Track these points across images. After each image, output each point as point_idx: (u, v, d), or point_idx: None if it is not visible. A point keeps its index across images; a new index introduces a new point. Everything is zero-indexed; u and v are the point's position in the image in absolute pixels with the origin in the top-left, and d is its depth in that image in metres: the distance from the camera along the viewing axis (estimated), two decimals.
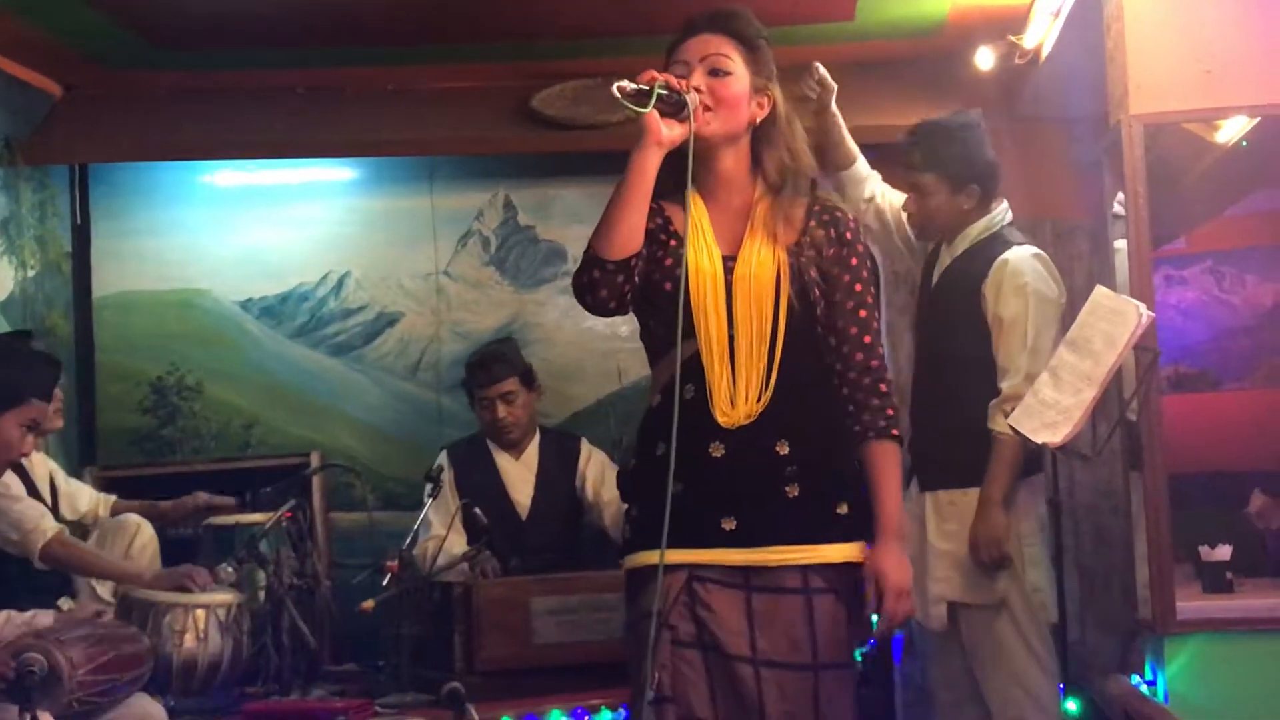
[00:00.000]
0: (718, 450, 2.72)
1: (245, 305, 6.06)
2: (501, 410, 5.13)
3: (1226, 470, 6.13)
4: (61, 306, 5.73)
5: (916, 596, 4.12)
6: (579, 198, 5.98)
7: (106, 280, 5.98)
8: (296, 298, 6.07)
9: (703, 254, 2.76)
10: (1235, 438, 6.39)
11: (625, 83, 2.61)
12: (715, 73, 2.75)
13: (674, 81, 2.66)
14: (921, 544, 4.04)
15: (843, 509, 2.76)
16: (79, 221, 5.92)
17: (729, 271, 2.76)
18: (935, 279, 4.16)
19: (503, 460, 5.23)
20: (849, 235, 2.82)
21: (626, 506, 2.88)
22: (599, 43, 5.21)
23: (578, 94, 5.50)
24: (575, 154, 5.67)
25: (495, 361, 5.16)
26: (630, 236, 2.67)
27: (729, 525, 2.72)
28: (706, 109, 2.71)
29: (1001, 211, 4.08)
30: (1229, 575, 4.56)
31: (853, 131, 5.51)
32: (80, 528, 4.90)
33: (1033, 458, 3.89)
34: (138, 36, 5.12)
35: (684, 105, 2.64)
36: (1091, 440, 3.56)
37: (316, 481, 5.57)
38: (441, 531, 4.87)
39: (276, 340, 6.05)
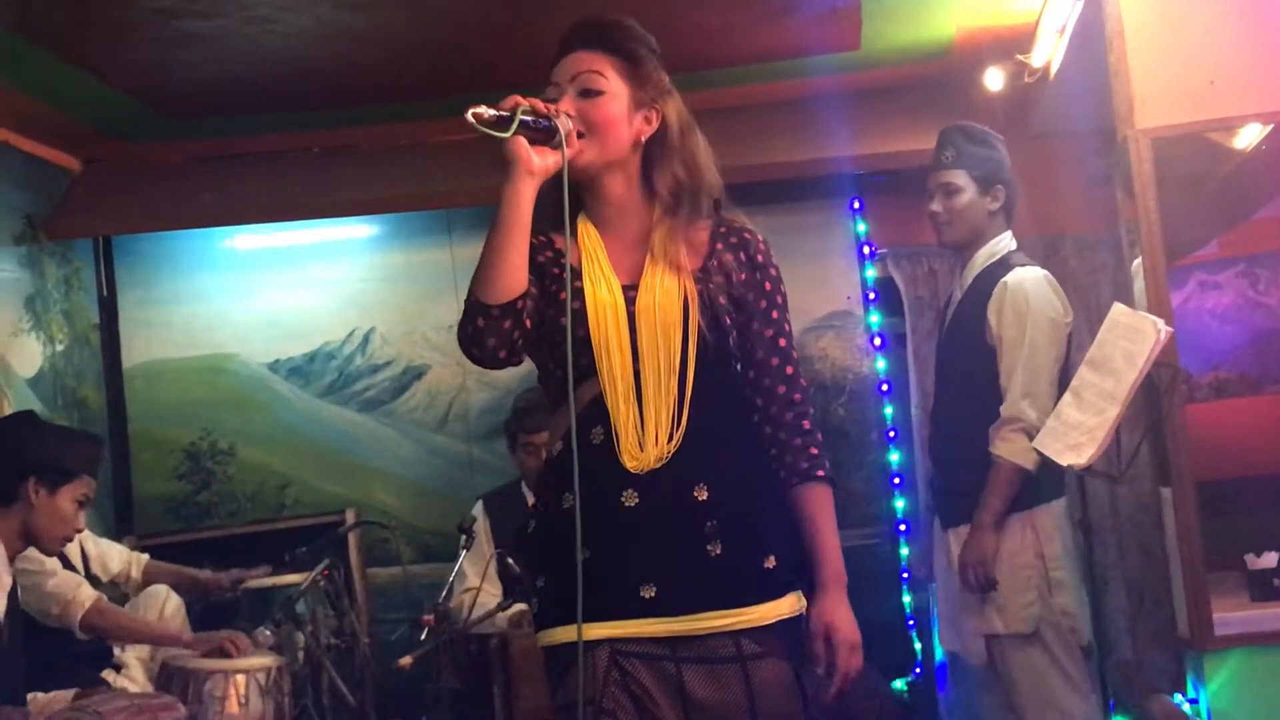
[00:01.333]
0: (631, 499, 2.42)
1: (273, 367, 6.11)
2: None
3: (1272, 474, 6.06)
4: (92, 378, 5.78)
5: (953, 631, 4.14)
6: None
7: (135, 350, 6.04)
8: (323, 357, 6.12)
9: (601, 286, 2.48)
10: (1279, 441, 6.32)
11: (483, 108, 2.33)
12: (587, 93, 2.48)
13: (540, 106, 2.39)
14: (953, 582, 4.02)
15: (770, 562, 2.47)
16: (105, 293, 5.99)
17: (630, 302, 2.48)
18: (949, 316, 4.16)
19: None
20: (760, 258, 2.56)
21: (533, 575, 2.55)
22: None
23: None
24: None
25: (543, 409, 5.12)
26: (512, 277, 2.36)
27: (648, 593, 2.41)
28: (580, 135, 2.44)
29: (1006, 238, 4.07)
30: (1276, 582, 4.50)
31: (866, 159, 5.57)
32: (116, 589, 4.94)
33: (1054, 481, 3.86)
34: (152, 110, 5.19)
35: (555, 132, 2.37)
36: (1117, 460, 3.51)
37: (352, 538, 5.59)
38: (476, 582, 4.86)
39: (306, 400, 6.10)
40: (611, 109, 2.47)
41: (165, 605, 4.77)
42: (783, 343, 2.56)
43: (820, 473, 2.52)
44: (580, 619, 2.34)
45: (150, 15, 4.18)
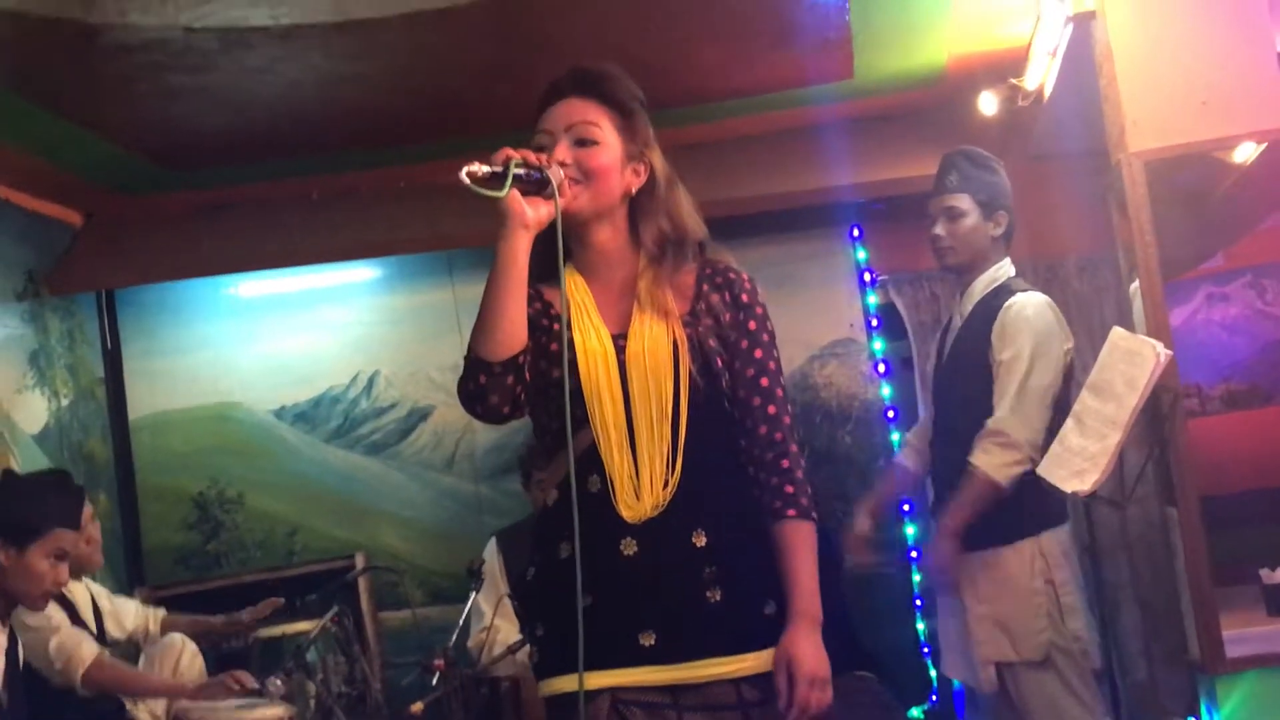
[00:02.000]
0: (630, 547, 2.42)
1: (279, 413, 6.12)
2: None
3: None
4: (98, 431, 5.79)
5: (959, 660, 4.12)
6: None
7: (140, 401, 6.05)
8: (328, 401, 6.12)
9: (590, 335, 2.49)
10: None
11: (476, 166, 2.35)
12: (582, 142, 2.48)
13: (532, 157, 2.39)
14: (961, 610, 4.01)
15: (770, 609, 2.48)
16: (109, 345, 6.00)
17: (620, 351, 2.49)
18: (948, 346, 4.15)
19: None
20: (745, 297, 2.56)
21: (532, 624, 2.55)
22: None
23: None
24: None
25: None
26: (512, 332, 2.36)
27: (648, 640, 2.41)
28: (575, 182, 2.45)
29: (1006, 264, 4.07)
30: None
31: (864, 187, 5.57)
32: (132, 645, 4.93)
33: (1060, 506, 3.85)
34: (152, 162, 5.20)
35: (547, 183, 2.38)
36: (1121, 485, 3.50)
37: (362, 583, 5.59)
38: (498, 623, 4.84)
39: (312, 445, 6.10)
40: (606, 158, 2.49)
41: (181, 655, 4.77)
42: (764, 382, 2.54)
43: (791, 511, 2.49)
44: (581, 667, 2.32)
45: (144, 70, 4.19)
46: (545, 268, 2.45)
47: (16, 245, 5.33)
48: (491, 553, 5.15)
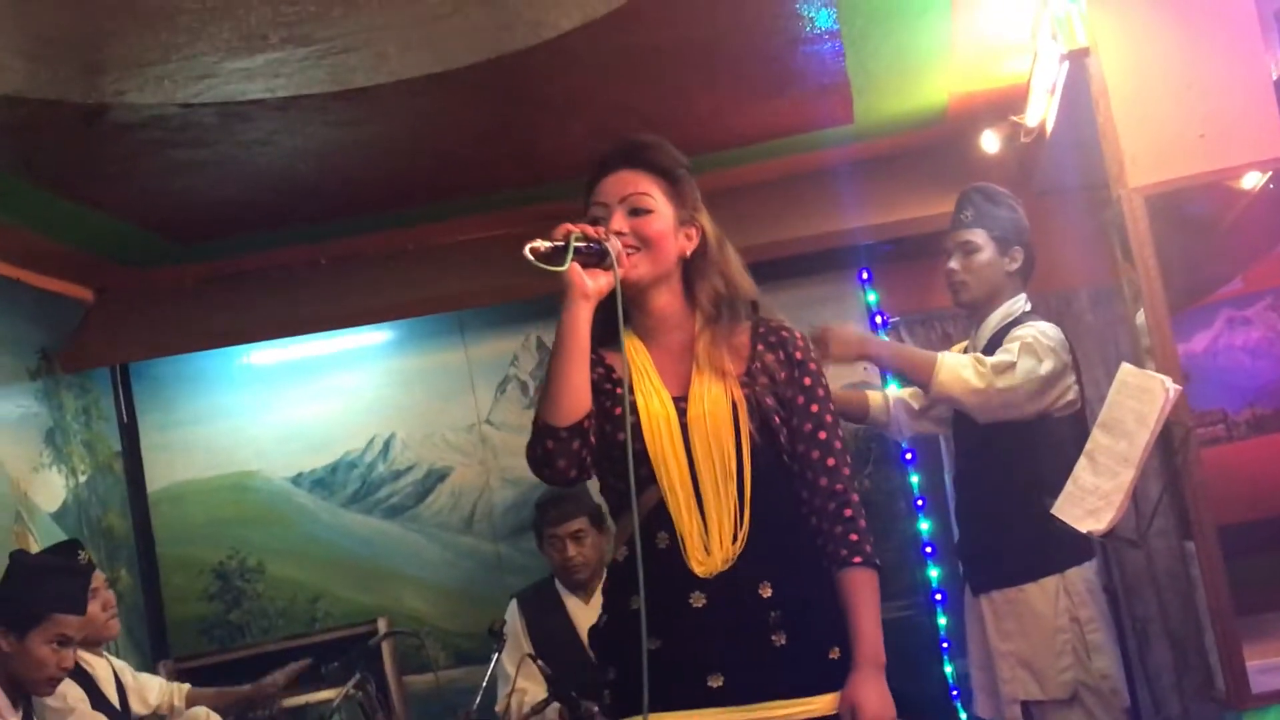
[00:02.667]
0: (698, 600, 2.53)
1: (296, 480, 6.11)
2: (571, 549, 5.09)
3: None
4: (117, 506, 5.80)
5: (989, 699, 4.08)
6: None
7: (158, 474, 6.06)
8: (345, 466, 6.12)
9: (652, 398, 2.60)
10: None
11: (538, 243, 2.48)
12: (636, 212, 2.61)
13: (591, 231, 2.53)
14: (986, 648, 3.98)
15: (835, 654, 2.57)
16: (125, 419, 6.01)
17: (682, 413, 2.60)
18: None
19: (573, 605, 5.16)
20: (799, 355, 2.68)
21: (604, 668, 2.67)
22: None
23: None
24: None
25: (566, 500, 5.12)
26: (578, 398, 2.50)
27: (715, 683, 2.52)
28: (634, 249, 2.58)
29: (1021, 300, 4.06)
30: None
31: (871, 230, 5.56)
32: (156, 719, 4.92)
33: (1084, 543, 3.81)
34: (159, 236, 5.24)
35: (606, 254, 2.51)
36: (1135, 524, 3.47)
37: (386, 648, 5.56)
38: (522, 683, 4.82)
39: (331, 511, 6.09)
40: (660, 225, 2.62)
41: None
42: (822, 435, 2.65)
43: (857, 559, 2.60)
44: (645, 708, 2.44)
45: (144, 147, 4.22)
46: (606, 333, 2.57)
47: (29, 324, 5.36)
48: (513, 614, 5.12)
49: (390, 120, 4.39)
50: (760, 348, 2.67)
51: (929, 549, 5.75)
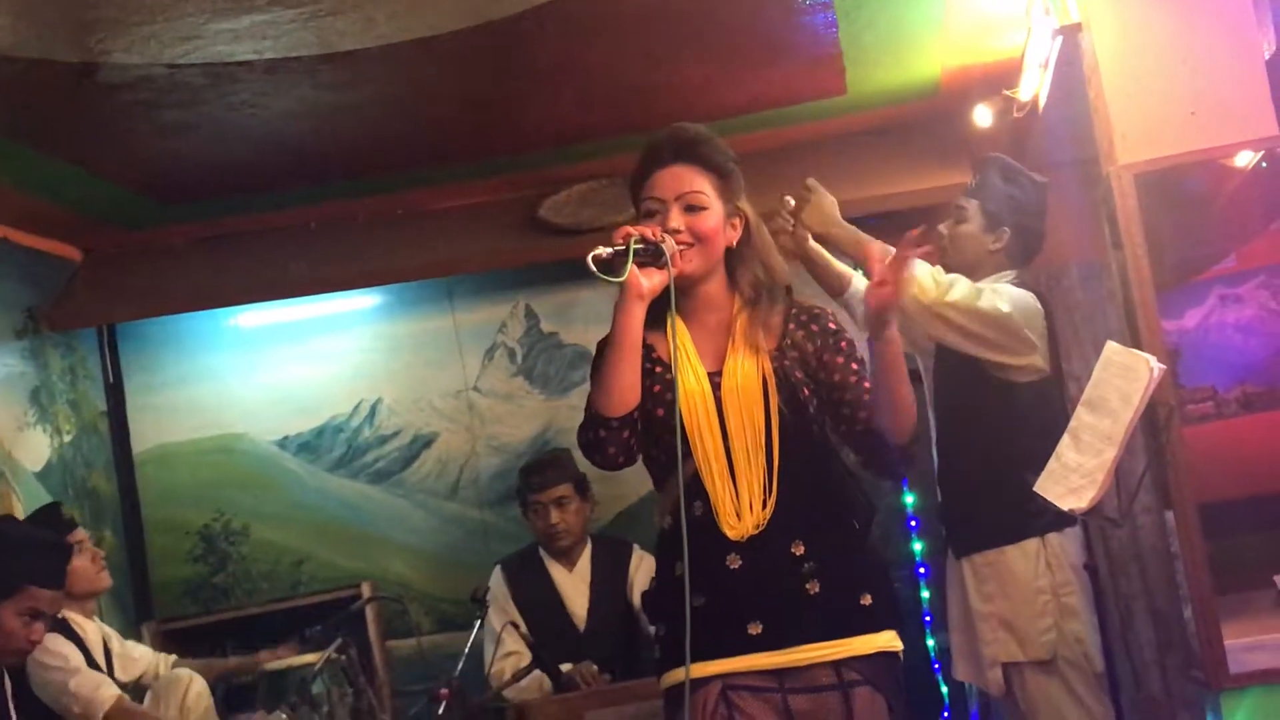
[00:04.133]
0: (735, 562, 2.71)
1: (282, 444, 6.09)
2: (554, 516, 5.10)
3: None
4: (102, 466, 5.78)
5: (967, 663, 4.10)
6: (598, 300, 5.95)
7: (144, 435, 6.03)
8: (331, 430, 6.10)
9: (689, 375, 2.77)
10: None
11: (600, 250, 2.64)
12: (691, 209, 2.77)
13: (648, 233, 2.68)
14: (967, 611, 4.00)
15: (866, 600, 2.77)
16: (112, 380, 5.99)
17: (716, 387, 2.77)
18: (946, 354, 4.12)
19: (557, 572, 5.18)
20: (832, 324, 2.86)
21: (655, 627, 2.88)
22: (595, 145, 5.24)
23: (582, 197, 5.53)
24: None
25: (550, 466, 5.15)
26: (629, 391, 2.69)
27: (755, 630, 2.71)
28: (687, 245, 2.74)
29: (1006, 276, 4.05)
30: None
31: (861, 203, 5.53)
32: (138, 688, 4.92)
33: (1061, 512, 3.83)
34: (147, 197, 5.21)
35: (662, 254, 2.66)
36: (1117, 502, 3.47)
37: (370, 612, 5.56)
38: (514, 647, 4.83)
39: (316, 475, 6.08)
40: (714, 222, 2.78)
41: (189, 692, 4.76)
42: (867, 384, 2.81)
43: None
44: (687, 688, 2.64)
45: (132, 107, 4.19)
46: (650, 316, 2.73)
47: (16, 283, 5.33)
48: (498, 581, 5.14)
49: (378, 85, 4.36)
50: (792, 326, 2.82)
51: (913, 523, 5.75)
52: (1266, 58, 3.64)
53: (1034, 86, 4.67)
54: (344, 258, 5.69)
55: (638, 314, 2.67)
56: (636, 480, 5.72)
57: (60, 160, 4.66)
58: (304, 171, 5.14)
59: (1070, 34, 3.76)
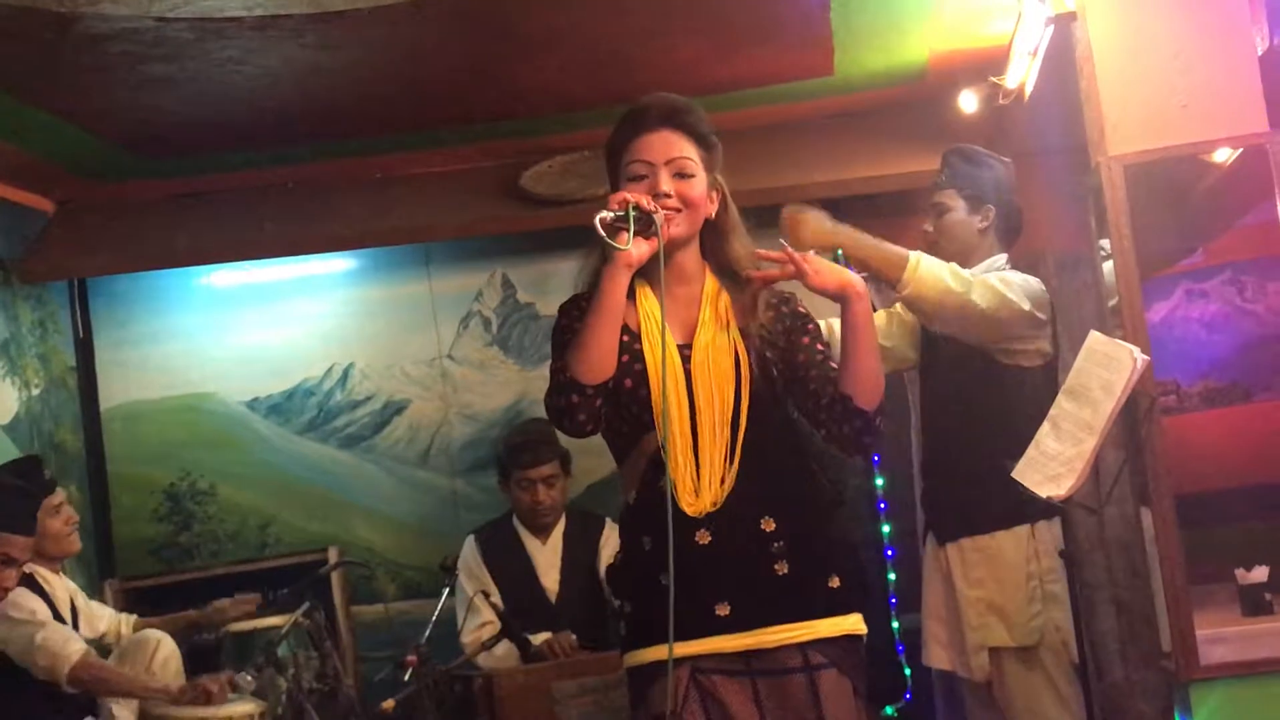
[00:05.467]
0: (704, 537, 2.68)
1: (252, 405, 6.05)
2: (542, 493, 5.10)
3: (1262, 484, 6.04)
4: (69, 421, 5.73)
5: (945, 649, 4.12)
6: (575, 271, 5.93)
7: (112, 391, 5.97)
8: (302, 393, 6.06)
9: (658, 346, 2.74)
10: (1271, 448, 6.31)
11: (605, 213, 2.62)
12: (681, 175, 2.76)
13: (642, 201, 2.65)
14: (951, 597, 4.02)
15: (834, 582, 2.76)
16: (81, 335, 5.93)
17: (686, 360, 2.76)
18: (939, 338, 4.14)
19: (531, 545, 5.18)
20: (800, 309, 2.87)
21: (620, 603, 2.85)
22: (578, 116, 5.21)
23: (565, 168, 5.50)
24: (568, 228, 5.62)
25: (541, 444, 5.11)
26: (607, 359, 2.65)
27: (723, 611, 2.69)
28: (675, 210, 2.73)
29: (1000, 260, 4.08)
30: (1268, 597, 4.47)
31: (843, 184, 5.54)
32: (100, 647, 4.89)
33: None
34: (124, 149, 5.15)
35: (652, 222, 2.65)
36: (1095, 491, 3.49)
37: (335, 577, 5.55)
38: (489, 616, 4.82)
39: (286, 438, 6.04)
40: (700, 190, 2.78)
41: (157, 651, 4.74)
42: (832, 363, 2.80)
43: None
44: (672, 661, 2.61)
45: (117, 59, 4.14)
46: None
47: None
48: (470, 550, 5.13)
49: (367, 46, 4.33)
50: (762, 307, 2.80)
51: (882, 505, 5.77)
52: (1260, 53, 3.65)
53: (1021, 74, 4.68)
54: (321, 219, 5.64)
55: (624, 282, 2.64)
56: (606, 455, 5.76)
57: (39, 108, 4.60)
58: (286, 131, 5.09)
59: (1065, 23, 3.76)
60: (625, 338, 2.73)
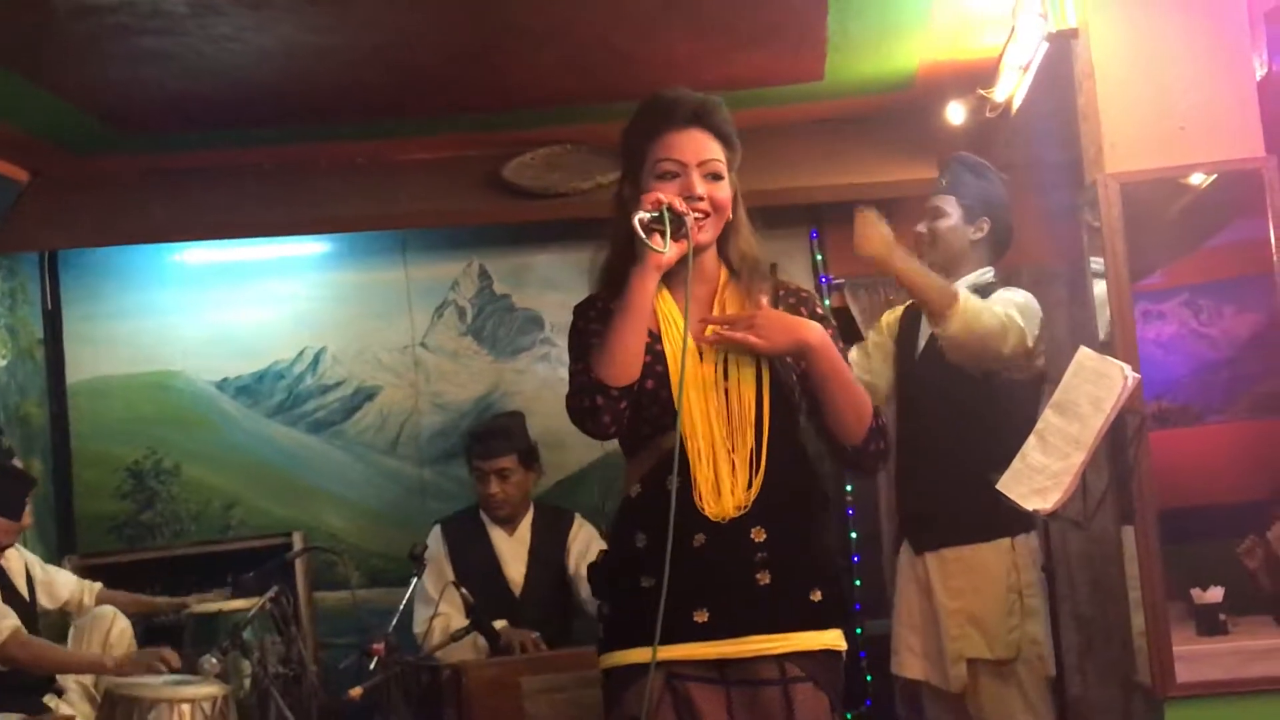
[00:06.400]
0: (699, 540, 2.62)
1: (221, 385, 5.99)
2: (494, 486, 5.08)
3: (1215, 504, 6.09)
4: (35, 394, 5.66)
5: (919, 659, 4.13)
6: (553, 265, 5.94)
7: (80, 365, 5.90)
8: (273, 376, 6.00)
9: (679, 348, 2.67)
10: (1222, 470, 6.36)
11: (643, 215, 2.58)
12: (712, 177, 2.70)
13: (676, 204, 2.60)
14: (928, 606, 4.03)
15: (816, 596, 2.68)
16: (50, 307, 5.86)
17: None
18: (921, 344, 4.15)
19: (497, 536, 5.16)
20: (819, 310, 2.81)
21: (599, 604, 2.79)
22: (564, 110, 5.20)
23: (548, 161, 5.49)
24: (548, 221, 5.61)
25: (495, 436, 5.10)
26: (634, 361, 2.61)
27: (701, 617, 2.63)
28: (704, 215, 2.67)
29: (988, 273, 4.11)
30: (1222, 617, 4.52)
31: (827, 190, 5.55)
32: (63, 616, 4.85)
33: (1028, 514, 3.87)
34: (103, 122, 5.09)
35: (683, 224, 2.60)
36: (1082, 506, 3.51)
37: (300, 563, 5.50)
38: (445, 609, 4.79)
39: (254, 419, 5.98)
40: (728, 192, 2.73)
41: (112, 628, 4.71)
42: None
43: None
44: (655, 657, 2.56)
45: (108, 31, 4.10)
46: None
47: None
48: (436, 540, 5.11)
49: (362, 31, 4.31)
50: (780, 308, 2.74)
51: (850, 511, 5.79)
52: (1258, 78, 3.69)
53: (1010, 88, 4.71)
54: (298, 202, 5.60)
55: (653, 283, 2.60)
56: (581, 449, 5.80)
57: (21, 76, 4.53)
58: (273, 111, 5.04)
59: (1064, 40, 3.78)
60: (646, 339, 2.67)
